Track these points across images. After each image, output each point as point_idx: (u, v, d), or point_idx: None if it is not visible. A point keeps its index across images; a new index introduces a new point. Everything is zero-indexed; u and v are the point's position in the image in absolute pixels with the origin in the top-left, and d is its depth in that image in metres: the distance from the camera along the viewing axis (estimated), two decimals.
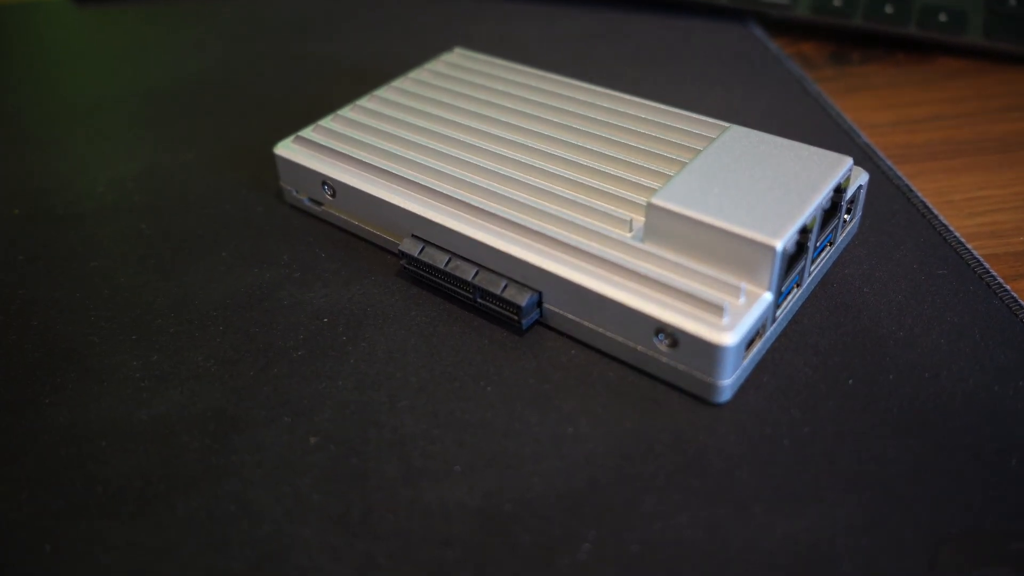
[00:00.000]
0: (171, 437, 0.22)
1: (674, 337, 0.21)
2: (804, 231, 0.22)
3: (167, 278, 0.27)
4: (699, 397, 0.22)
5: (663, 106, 0.27)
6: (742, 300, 0.21)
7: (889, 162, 0.30)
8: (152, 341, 0.24)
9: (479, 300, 0.24)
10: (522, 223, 0.23)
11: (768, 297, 0.21)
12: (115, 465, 0.21)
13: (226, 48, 0.41)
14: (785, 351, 0.23)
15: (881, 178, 0.29)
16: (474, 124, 0.28)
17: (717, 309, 0.20)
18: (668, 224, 0.22)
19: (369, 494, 0.20)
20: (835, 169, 0.23)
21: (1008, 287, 0.24)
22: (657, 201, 0.22)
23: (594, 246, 0.23)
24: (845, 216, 0.25)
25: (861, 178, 0.25)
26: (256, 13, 0.44)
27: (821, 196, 0.22)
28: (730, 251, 0.21)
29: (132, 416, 0.22)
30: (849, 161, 0.23)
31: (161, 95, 0.37)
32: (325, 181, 0.27)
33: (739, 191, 0.22)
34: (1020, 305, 0.24)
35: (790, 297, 0.23)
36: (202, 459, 0.21)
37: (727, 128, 0.25)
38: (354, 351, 0.24)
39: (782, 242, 0.21)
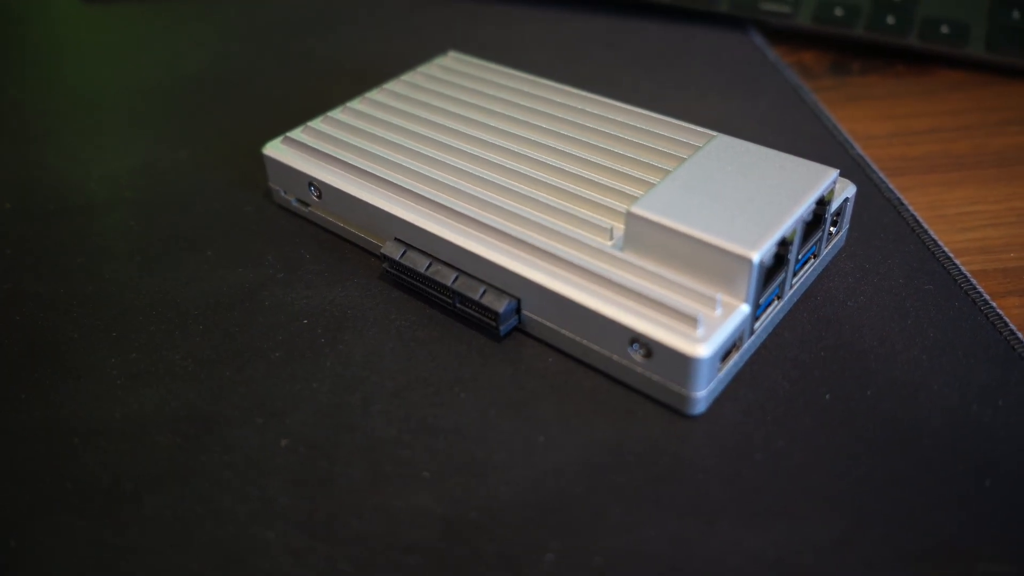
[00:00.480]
0: (143, 436, 0.22)
1: (648, 347, 0.21)
2: (784, 243, 0.21)
3: (152, 275, 0.27)
4: (673, 408, 0.22)
5: (651, 113, 0.27)
6: (718, 312, 0.21)
7: (882, 174, 0.30)
8: (131, 339, 0.24)
9: (458, 305, 0.24)
10: (503, 229, 0.23)
11: (745, 309, 0.21)
12: (85, 462, 0.21)
13: (228, 46, 0.41)
14: (764, 364, 0.23)
15: (873, 190, 0.29)
16: (462, 128, 0.28)
17: (691, 320, 0.20)
18: (647, 233, 0.22)
19: (336, 498, 0.20)
20: (818, 181, 0.23)
21: (994, 304, 0.24)
22: (636, 210, 0.22)
23: (573, 254, 0.23)
24: (831, 229, 0.25)
25: (848, 190, 0.25)
26: (259, 12, 0.44)
27: (802, 208, 0.22)
28: (707, 262, 0.21)
29: (106, 414, 0.22)
30: (833, 173, 0.23)
31: (161, 92, 0.37)
32: (311, 182, 0.27)
33: (720, 201, 0.22)
34: (1005, 322, 0.23)
35: (770, 309, 0.23)
36: (172, 458, 0.21)
37: (713, 137, 0.25)
38: (331, 353, 0.24)
39: (759, 254, 0.20)
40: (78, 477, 0.21)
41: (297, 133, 0.28)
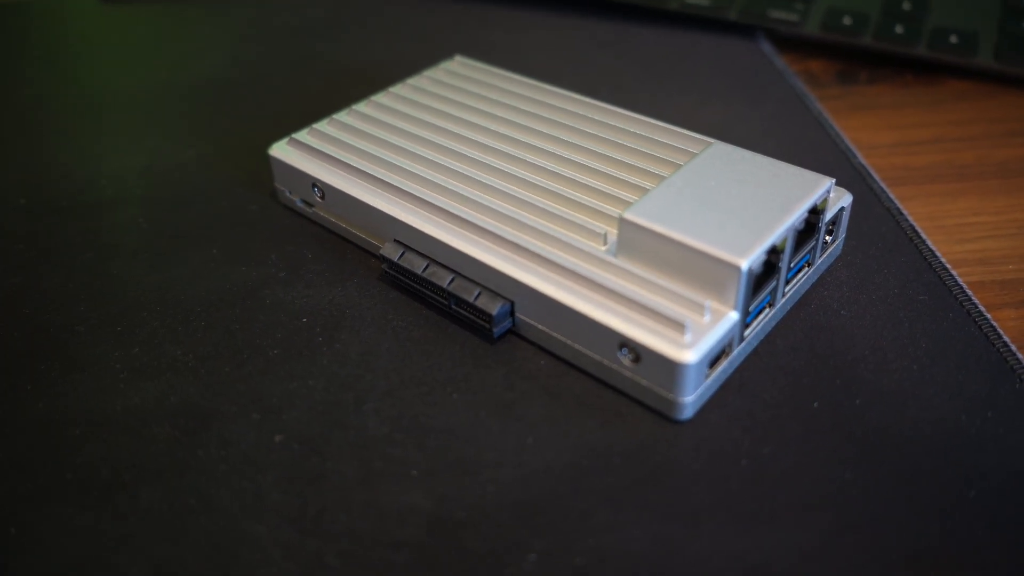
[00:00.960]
0: (142, 429, 0.22)
1: (637, 352, 0.21)
2: (774, 251, 0.22)
3: (157, 272, 0.27)
4: (662, 413, 0.22)
5: (651, 119, 0.27)
6: (707, 318, 0.21)
7: (883, 184, 0.30)
8: (135, 334, 0.25)
9: (454, 307, 0.24)
10: (499, 233, 0.24)
11: (734, 316, 0.21)
12: (86, 454, 0.22)
13: (241, 48, 0.42)
14: (754, 370, 0.23)
15: (873, 200, 0.29)
16: (464, 132, 0.28)
17: (679, 326, 0.21)
18: (639, 239, 0.22)
19: (326, 494, 0.20)
20: (812, 189, 0.23)
21: (988, 316, 0.24)
22: (629, 216, 0.22)
23: (567, 258, 0.23)
24: (826, 237, 0.25)
25: (844, 199, 0.25)
26: (272, 15, 0.45)
27: (794, 216, 0.22)
28: (697, 268, 0.21)
29: (107, 406, 0.23)
30: (828, 182, 0.23)
31: (174, 92, 0.38)
32: (315, 183, 0.28)
33: (712, 208, 0.22)
34: (999, 334, 0.24)
35: (761, 317, 0.23)
36: (169, 452, 0.21)
37: (710, 144, 0.25)
38: (328, 352, 0.24)
39: (748, 261, 0.21)
40: (78, 467, 0.21)
41: (302, 135, 0.29)
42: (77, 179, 0.32)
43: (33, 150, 0.34)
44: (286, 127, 0.34)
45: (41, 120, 0.36)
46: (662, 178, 0.25)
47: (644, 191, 0.25)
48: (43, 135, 0.35)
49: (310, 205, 0.29)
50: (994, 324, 0.24)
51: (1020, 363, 0.23)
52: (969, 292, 0.25)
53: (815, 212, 0.23)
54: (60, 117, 0.36)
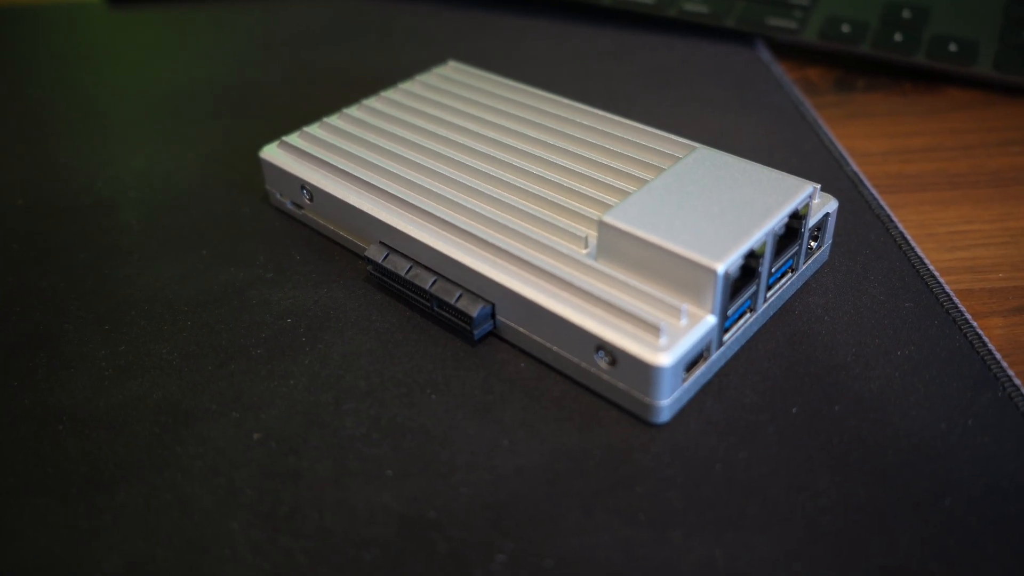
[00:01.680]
0: (124, 425, 0.22)
1: (613, 355, 0.21)
2: (753, 256, 0.22)
3: (148, 273, 0.28)
4: (638, 416, 0.22)
5: (637, 124, 0.27)
6: (683, 322, 0.21)
7: (874, 191, 0.30)
8: (122, 332, 0.25)
9: (436, 309, 0.25)
10: (481, 235, 0.24)
11: (711, 320, 0.21)
12: (67, 449, 0.22)
13: (244, 52, 0.42)
14: (734, 375, 0.23)
15: (863, 207, 0.29)
16: (451, 136, 0.28)
17: (654, 329, 0.20)
18: (618, 243, 0.22)
19: (300, 492, 0.20)
20: (792, 195, 0.23)
21: (975, 324, 0.24)
22: (608, 219, 0.22)
23: (548, 261, 0.23)
24: (811, 243, 0.25)
25: (829, 205, 0.25)
26: (275, 22, 0.45)
27: (773, 221, 0.22)
28: (675, 272, 0.21)
29: (91, 403, 0.23)
30: (809, 187, 0.23)
31: (175, 96, 0.38)
32: (303, 185, 0.28)
33: (691, 213, 0.22)
34: (983, 342, 0.23)
35: (741, 322, 0.23)
36: (148, 448, 0.22)
37: (694, 148, 0.25)
38: (311, 352, 0.24)
39: (724, 265, 0.20)
40: (59, 463, 0.21)
41: (293, 137, 0.29)
42: (76, 181, 0.32)
43: (34, 151, 0.34)
44: (284, 130, 0.34)
45: (45, 122, 0.37)
46: (644, 182, 0.25)
47: (626, 195, 0.25)
48: (45, 137, 0.35)
49: (300, 207, 0.29)
50: (979, 332, 0.24)
51: (1004, 371, 0.23)
52: (956, 300, 0.25)
53: (797, 217, 0.23)
54: (64, 119, 0.37)
